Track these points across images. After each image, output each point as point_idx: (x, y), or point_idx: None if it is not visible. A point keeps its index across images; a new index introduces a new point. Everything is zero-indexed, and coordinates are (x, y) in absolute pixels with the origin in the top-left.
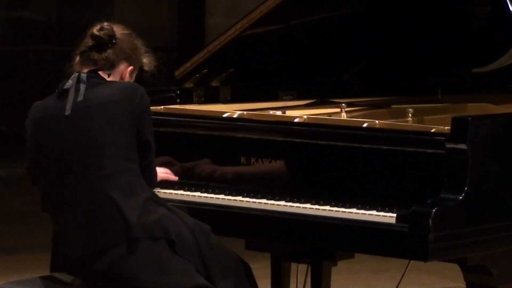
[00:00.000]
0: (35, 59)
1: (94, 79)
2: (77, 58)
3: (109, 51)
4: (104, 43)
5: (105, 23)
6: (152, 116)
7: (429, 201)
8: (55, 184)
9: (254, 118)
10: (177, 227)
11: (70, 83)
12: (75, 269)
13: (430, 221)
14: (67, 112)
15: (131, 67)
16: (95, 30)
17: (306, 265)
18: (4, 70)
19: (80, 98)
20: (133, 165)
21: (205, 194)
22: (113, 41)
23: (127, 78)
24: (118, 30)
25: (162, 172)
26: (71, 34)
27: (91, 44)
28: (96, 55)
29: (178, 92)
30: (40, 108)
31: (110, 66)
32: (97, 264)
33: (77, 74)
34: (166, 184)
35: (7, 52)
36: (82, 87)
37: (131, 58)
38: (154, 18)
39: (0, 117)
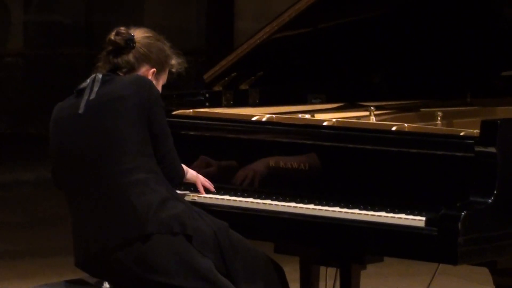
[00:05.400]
0: (65, 62)
1: (108, 77)
2: (100, 62)
3: (129, 55)
4: (121, 48)
5: (122, 28)
6: (182, 120)
7: (458, 204)
8: (73, 183)
9: (283, 121)
10: (195, 222)
11: (86, 82)
12: (94, 268)
13: (460, 224)
14: (81, 110)
15: (153, 70)
16: (112, 35)
17: (335, 269)
18: (34, 74)
19: (93, 96)
20: (150, 160)
21: (234, 198)
22: (131, 45)
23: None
24: (139, 34)
25: (197, 179)
26: (101, 37)
27: (108, 49)
28: (114, 60)
29: (207, 95)
30: (58, 109)
31: (131, 69)
32: (117, 261)
33: (94, 75)
34: (195, 187)
35: (37, 55)
36: (96, 85)
37: (153, 60)
38: (183, 21)
39: (30, 120)
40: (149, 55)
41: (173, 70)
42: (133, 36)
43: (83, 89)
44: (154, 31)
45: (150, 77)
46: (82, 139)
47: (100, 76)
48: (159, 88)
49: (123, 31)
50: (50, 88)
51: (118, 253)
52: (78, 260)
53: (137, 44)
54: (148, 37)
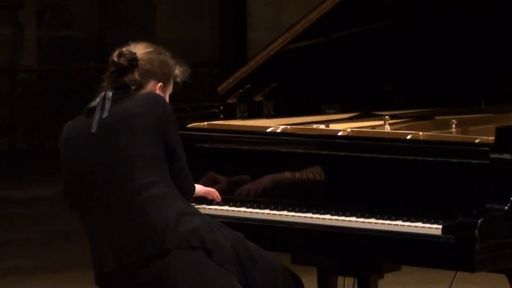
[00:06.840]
0: (78, 77)
1: (119, 95)
2: (104, 82)
3: (134, 73)
4: (125, 68)
5: (124, 48)
6: (196, 133)
7: (474, 211)
8: (88, 202)
9: (298, 132)
10: (213, 236)
11: (96, 101)
12: (113, 285)
13: (476, 231)
14: (93, 130)
15: (160, 84)
16: (115, 56)
17: (352, 278)
18: (47, 89)
19: (105, 114)
20: (164, 175)
21: (250, 209)
22: (134, 64)
23: None
24: (140, 50)
25: (207, 191)
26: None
27: (112, 69)
28: (120, 79)
29: (221, 107)
30: (69, 129)
31: (138, 87)
32: (135, 278)
33: (103, 92)
34: (211, 200)
35: (51, 70)
36: (107, 104)
37: (158, 75)
38: (196, 34)
39: (45, 136)
40: (153, 71)
41: (178, 80)
42: (136, 54)
43: (94, 108)
44: (154, 43)
45: (158, 92)
46: (96, 158)
47: (110, 94)
48: (167, 99)
49: (125, 52)
50: (65, 104)
51: (136, 270)
52: (97, 278)
53: (140, 62)
54: (149, 52)
